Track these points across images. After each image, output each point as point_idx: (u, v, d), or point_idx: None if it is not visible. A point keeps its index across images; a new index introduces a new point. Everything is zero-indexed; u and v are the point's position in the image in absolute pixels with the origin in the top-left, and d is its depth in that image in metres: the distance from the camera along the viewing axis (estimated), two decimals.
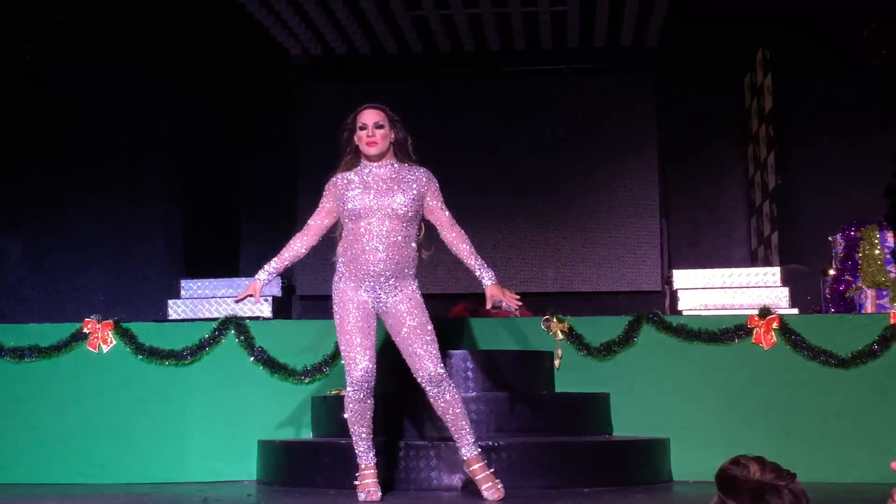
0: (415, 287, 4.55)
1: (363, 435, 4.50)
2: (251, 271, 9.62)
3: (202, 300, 7.81)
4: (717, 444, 5.55)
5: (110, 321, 6.01)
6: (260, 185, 10.21)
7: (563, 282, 9.65)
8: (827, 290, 6.92)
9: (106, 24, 8.41)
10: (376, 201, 4.46)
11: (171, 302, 7.91)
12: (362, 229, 4.44)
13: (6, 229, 8.23)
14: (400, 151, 4.63)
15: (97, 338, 5.99)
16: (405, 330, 4.46)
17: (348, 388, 4.44)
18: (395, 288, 4.48)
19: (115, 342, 5.98)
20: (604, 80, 9.98)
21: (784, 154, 8.75)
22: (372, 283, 4.46)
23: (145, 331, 6.02)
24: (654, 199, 9.70)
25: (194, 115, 9.48)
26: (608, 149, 9.78)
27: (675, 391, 5.80)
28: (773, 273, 7.49)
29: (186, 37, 9.13)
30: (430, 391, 4.43)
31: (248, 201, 10.28)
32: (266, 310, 7.65)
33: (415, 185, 4.54)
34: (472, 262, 4.54)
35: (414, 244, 4.54)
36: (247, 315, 6.59)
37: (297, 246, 4.64)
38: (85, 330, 5.99)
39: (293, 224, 8.33)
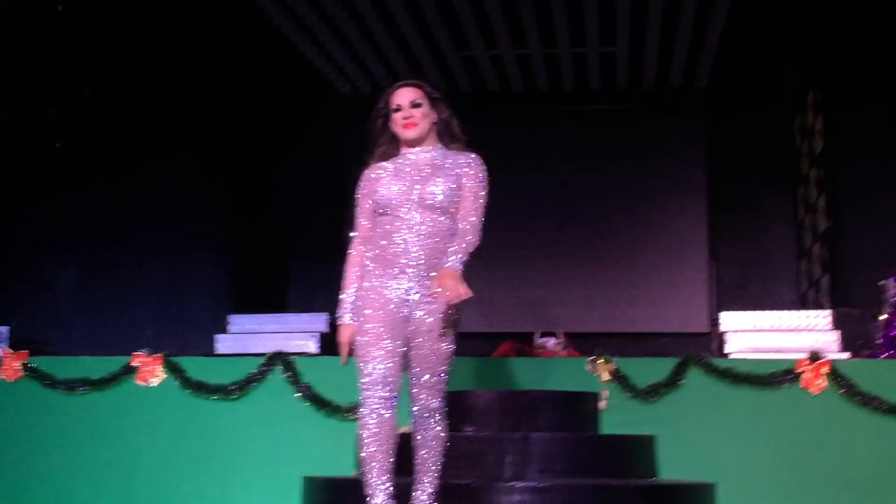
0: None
1: (378, 460, 3.80)
2: (299, 307, 9.71)
3: (250, 335, 7.85)
4: (765, 491, 5.47)
5: (159, 355, 6.07)
6: (309, 222, 10.29)
7: (609, 322, 9.60)
8: (879, 335, 6.82)
9: (157, 61, 8.56)
10: (409, 190, 3.92)
11: (218, 337, 7.96)
12: (393, 222, 3.91)
13: (60, 262, 8.36)
14: (445, 134, 4.06)
15: (146, 371, 6.06)
16: (419, 349, 3.90)
17: (361, 395, 3.81)
18: (425, 287, 3.86)
19: (163, 376, 6.04)
20: (653, 121, 9.98)
21: (834, 197, 8.67)
22: (404, 277, 3.88)
23: (193, 365, 6.08)
24: (702, 240, 9.66)
25: (246, 152, 9.60)
26: (657, 189, 9.76)
27: (722, 435, 5.74)
28: (823, 316, 7.38)
29: (239, 74, 9.27)
30: (419, 421, 3.94)
31: (297, 237, 10.36)
32: (312, 346, 7.69)
33: (457, 172, 3.99)
34: (449, 254, 3.87)
35: (451, 235, 3.94)
36: (293, 351, 6.62)
37: (359, 261, 4.01)
38: (134, 363, 6.06)
39: (340, 261, 8.37)
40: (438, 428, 3.98)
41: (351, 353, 3.94)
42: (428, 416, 3.94)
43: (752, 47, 9.19)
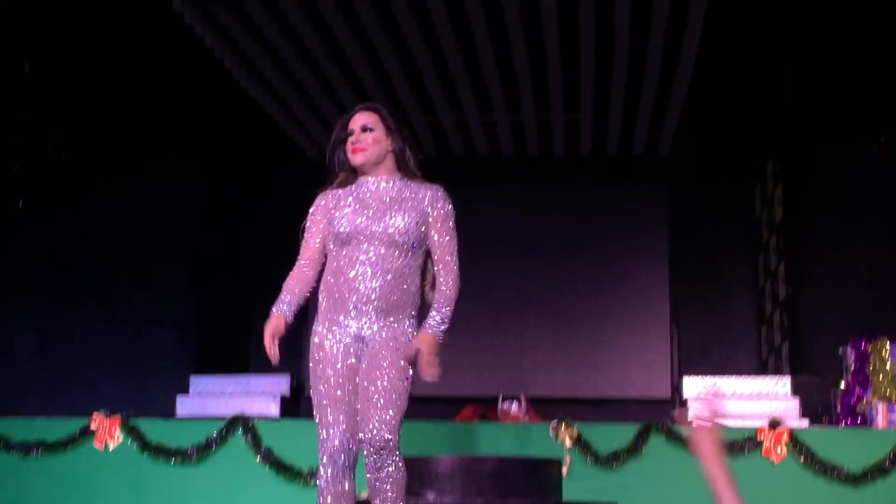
0: (408, 330, 3.69)
1: None
2: (262, 368, 9.63)
3: (211, 396, 7.78)
4: None
5: (118, 416, 5.99)
6: (272, 283, 10.23)
7: (572, 387, 9.60)
8: (838, 403, 6.86)
9: (122, 122, 8.57)
10: (370, 223, 3.66)
11: (179, 397, 7.88)
12: (350, 255, 3.65)
13: (17, 321, 8.27)
14: (402, 165, 3.80)
15: (104, 434, 5.97)
16: (368, 374, 3.61)
17: (321, 463, 3.60)
18: (385, 327, 3.64)
19: (121, 439, 5.96)
20: (616, 188, 10.08)
21: (794, 265, 8.77)
22: (357, 315, 3.63)
23: (153, 427, 6.00)
24: (664, 306, 9.72)
25: (209, 211, 9.58)
26: (620, 255, 9.83)
27: (683, 502, 5.73)
28: (783, 384, 7.44)
29: (202, 133, 9.28)
30: (370, 459, 3.57)
31: (260, 299, 10.30)
32: (274, 408, 7.62)
33: (418, 206, 3.73)
34: (432, 311, 3.72)
35: (417, 279, 3.74)
36: (255, 414, 6.56)
37: (305, 272, 3.80)
38: (92, 426, 5.97)
39: (302, 323, 8.36)
40: (395, 465, 3.60)
41: (280, 348, 3.67)
42: (380, 450, 3.55)
43: (713, 117, 9.35)
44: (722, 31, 7.51)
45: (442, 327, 3.73)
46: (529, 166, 10.22)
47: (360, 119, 3.79)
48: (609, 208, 10.01)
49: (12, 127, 7.70)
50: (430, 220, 3.76)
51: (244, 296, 10.30)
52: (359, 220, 3.68)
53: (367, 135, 3.76)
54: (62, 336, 8.40)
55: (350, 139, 3.77)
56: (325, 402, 3.64)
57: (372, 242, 3.65)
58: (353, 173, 3.81)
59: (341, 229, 3.68)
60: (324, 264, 3.79)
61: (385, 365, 3.61)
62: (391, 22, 7.43)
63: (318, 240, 3.80)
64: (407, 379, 3.65)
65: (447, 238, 3.81)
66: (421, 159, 3.87)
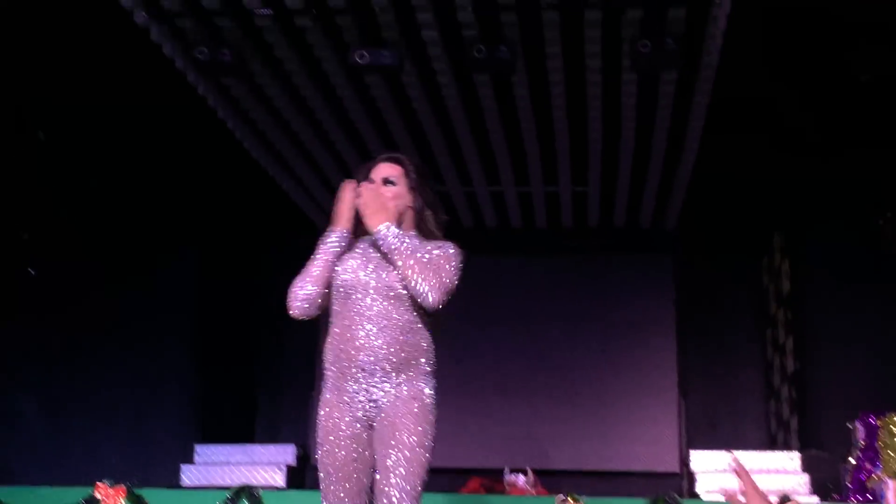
0: (424, 389, 3.42)
1: None
2: (266, 438, 9.58)
3: (216, 466, 7.74)
4: None
5: (122, 486, 5.95)
6: (278, 353, 10.25)
7: (579, 459, 9.53)
8: (848, 479, 6.80)
9: (131, 189, 8.65)
10: (373, 276, 3.41)
11: (184, 467, 7.85)
12: (352, 312, 3.40)
13: (22, 388, 8.27)
14: (421, 222, 3.57)
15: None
16: (385, 440, 3.33)
17: None
18: (399, 387, 3.39)
19: None
20: (623, 260, 10.12)
21: (802, 338, 8.75)
22: (365, 377, 3.37)
23: (158, 497, 5.96)
24: (671, 379, 9.69)
25: (212, 279, 9.61)
26: (627, 327, 9.82)
27: None
28: (792, 458, 7.38)
29: (208, 205, 9.34)
30: None
31: (265, 368, 10.30)
32: (280, 478, 7.58)
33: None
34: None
35: (427, 331, 3.48)
36: (260, 484, 6.53)
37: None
38: (96, 495, 5.94)
39: (311, 391, 8.34)
40: None
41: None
42: None
43: (718, 190, 9.39)
44: (727, 106, 7.58)
45: (389, 238, 3.40)
46: (537, 237, 10.26)
47: (384, 170, 3.56)
48: (616, 279, 10.03)
49: (24, 194, 7.77)
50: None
51: (249, 365, 10.30)
52: (361, 273, 3.44)
53: (388, 188, 3.53)
54: (67, 404, 8.39)
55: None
56: (332, 478, 3.41)
57: (374, 296, 3.40)
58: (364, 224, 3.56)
59: (343, 277, 3.45)
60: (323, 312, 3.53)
61: (405, 432, 3.32)
62: (401, 95, 7.53)
63: (325, 286, 3.53)
64: (429, 448, 3.37)
65: (441, 259, 3.45)
66: (445, 221, 3.65)
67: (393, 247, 3.39)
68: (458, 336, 9.32)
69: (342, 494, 3.39)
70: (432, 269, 3.40)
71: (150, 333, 8.90)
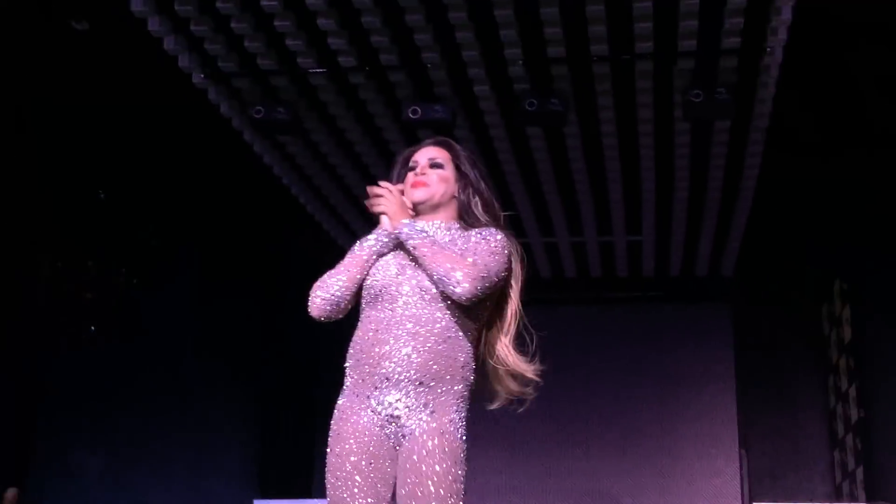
0: (455, 419, 2.89)
1: None
2: (323, 493, 9.56)
3: None
4: None
5: None
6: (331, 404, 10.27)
7: None
8: None
9: (189, 246, 8.78)
10: (407, 274, 2.97)
11: None
12: (379, 316, 2.95)
13: (86, 444, 8.36)
14: (467, 214, 3.14)
15: None
16: (411, 470, 2.80)
17: None
18: (427, 407, 2.87)
19: None
20: (680, 309, 10.03)
21: (866, 386, 8.60)
22: (388, 389, 2.88)
23: None
24: (732, 430, 9.54)
25: (270, 332, 9.69)
26: (685, 377, 9.72)
27: None
28: None
29: (263, 258, 9.44)
30: None
31: (323, 422, 10.31)
32: None
33: (464, 247, 3.00)
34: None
35: (468, 348, 2.98)
36: None
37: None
38: None
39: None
40: None
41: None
42: None
43: (776, 236, 9.31)
44: (782, 151, 7.54)
45: (411, 234, 2.99)
46: (592, 287, 10.23)
47: (430, 152, 3.19)
48: (673, 329, 9.94)
49: (86, 255, 7.92)
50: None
51: (306, 419, 10.32)
52: (392, 271, 3.00)
53: (434, 171, 3.14)
54: (127, 459, 8.46)
55: (413, 173, 3.16)
56: (340, 489, 2.84)
57: (407, 299, 2.95)
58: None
59: (371, 281, 3.01)
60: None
61: (433, 464, 2.79)
62: None
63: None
64: (461, 482, 2.85)
65: (480, 245, 2.99)
66: (503, 214, 3.24)
67: (415, 242, 2.97)
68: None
69: (351, 489, 2.84)
70: (463, 256, 2.94)
71: (210, 388, 8.98)
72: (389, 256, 3.05)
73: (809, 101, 6.97)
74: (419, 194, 3.11)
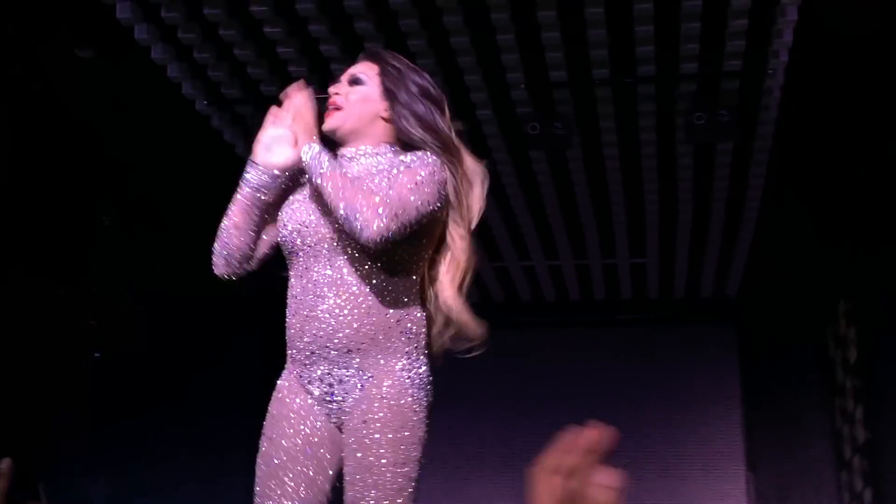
0: (403, 377, 2.49)
1: None
2: None
3: None
4: None
5: None
6: None
7: None
8: None
9: (196, 278, 8.76)
10: (320, 221, 2.53)
11: None
12: (302, 273, 2.56)
13: (91, 472, 8.34)
14: (401, 133, 2.63)
15: None
16: (358, 448, 2.44)
17: None
18: (362, 374, 2.48)
19: None
20: (684, 331, 10.02)
21: (873, 407, 8.56)
22: (318, 360, 2.51)
23: None
24: (738, 452, 9.51)
25: (270, 355, 9.65)
26: (690, 399, 9.70)
27: None
28: None
29: (268, 273, 9.44)
30: None
31: None
32: None
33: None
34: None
35: (413, 301, 2.55)
36: None
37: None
38: None
39: None
40: None
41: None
42: None
43: (780, 257, 9.31)
44: (787, 173, 7.55)
45: (310, 163, 2.51)
46: (596, 310, 10.23)
47: (354, 69, 2.72)
48: (678, 351, 9.92)
49: (91, 281, 7.93)
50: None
51: None
52: (305, 218, 2.56)
53: (354, 89, 2.66)
54: (134, 488, 8.44)
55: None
56: (271, 464, 2.52)
57: (321, 252, 2.53)
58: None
59: (283, 232, 2.60)
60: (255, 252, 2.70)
61: (377, 435, 2.43)
62: None
63: (267, 233, 2.71)
64: (417, 447, 2.48)
65: (401, 174, 2.51)
66: (459, 130, 2.73)
67: (316, 173, 2.48)
68: (513, 411, 9.27)
69: (281, 476, 2.49)
70: (378, 189, 2.45)
71: (218, 417, 8.96)
72: (300, 199, 2.62)
73: (812, 122, 6.98)
74: (328, 123, 2.65)
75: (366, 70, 2.68)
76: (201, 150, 7.27)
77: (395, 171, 2.53)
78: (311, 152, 2.50)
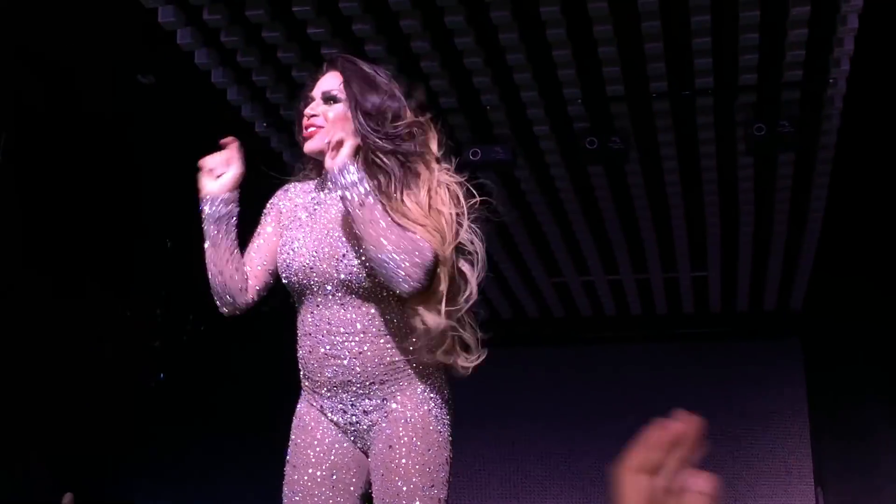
0: (425, 399, 2.46)
1: None
2: None
3: None
4: None
5: None
6: None
7: None
8: None
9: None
10: (324, 260, 2.45)
11: None
12: (310, 310, 2.48)
13: (152, 491, 8.46)
14: (366, 159, 2.48)
15: None
16: (385, 473, 2.42)
17: None
18: (386, 402, 2.45)
19: None
20: (749, 344, 9.90)
21: None
22: (339, 402, 2.47)
23: None
24: (807, 467, 9.36)
25: None
26: (756, 414, 9.56)
27: None
28: None
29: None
30: None
31: None
32: None
33: None
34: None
35: (413, 318, 2.44)
36: None
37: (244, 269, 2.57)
38: None
39: None
40: None
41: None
42: None
43: (846, 266, 9.15)
44: (850, 182, 7.43)
45: (360, 189, 2.33)
46: (658, 324, 10.14)
47: (324, 83, 2.57)
48: (743, 365, 9.79)
49: (155, 303, 8.03)
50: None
51: None
52: (309, 262, 2.46)
53: (329, 107, 2.54)
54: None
55: (305, 112, 2.57)
56: (304, 500, 2.46)
57: (328, 289, 2.44)
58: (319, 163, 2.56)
59: (286, 273, 2.49)
60: (266, 292, 2.60)
61: (405, 459, 2.40)
62: (516, 189, 7.58)
63: (264, 261, 2.58)
64: (445, 468, 2.44)
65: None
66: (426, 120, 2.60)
67: (356, 202, 2.33)
68: (580, 425, 9.22)
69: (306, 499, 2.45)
70: (410, 237, 2.35)
71: (270, 435, 9.01)
72: (300, 237, 2.51)
73: (875, 131, 6.87)
74: (311, 144, 2.54)
75: (335, 85, 2.56)
76: (261, 171, 7.32)
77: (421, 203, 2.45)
78: (351, 177, 2.36)
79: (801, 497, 9.29)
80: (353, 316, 2.42)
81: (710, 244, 8.46)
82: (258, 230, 2.62)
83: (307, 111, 2.55)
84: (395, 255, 2.29)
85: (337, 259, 2.42)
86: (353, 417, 2.47)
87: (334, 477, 2.47)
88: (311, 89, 2.59)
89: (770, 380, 9.66)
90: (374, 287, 2.41)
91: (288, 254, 2.50)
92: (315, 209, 2.55)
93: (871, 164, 7.35)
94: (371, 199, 2.33)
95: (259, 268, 2.56)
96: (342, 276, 2.41)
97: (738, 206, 7.74)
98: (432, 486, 2.40)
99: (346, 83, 2.52)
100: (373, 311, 2.43)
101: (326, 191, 2.57)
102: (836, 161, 6.98)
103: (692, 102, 6.36)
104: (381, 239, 2.30)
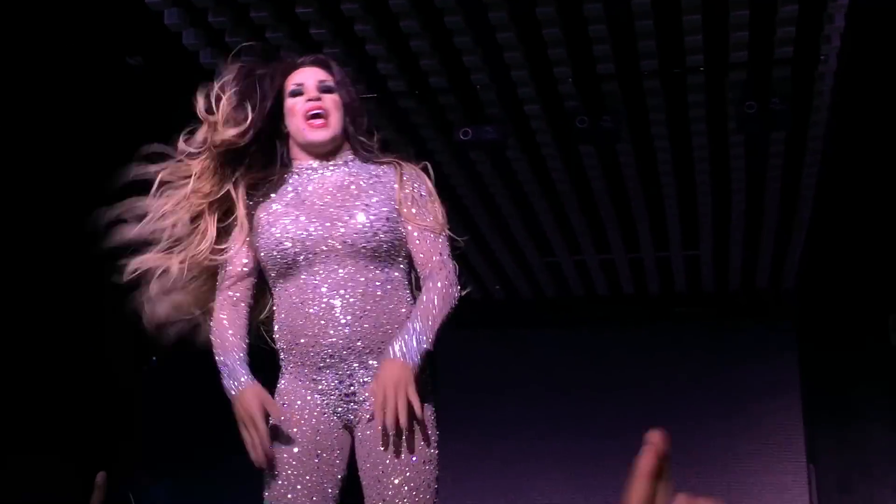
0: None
1: None
2: None
3: None
4: None
5: None
6: None
7: None
8: None
9: None
10: (319, 228, 2.50)
11: None
12: (304, 284, 2.49)
13: (154, 474, 8.46)
14: (356, 140, 2.65)
15: None
16: (373, 455, 2.46)
17: None
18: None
19: None
20: (742, 323, 9.90)
21: None
22: (334, 367, 2.48)
23: None
24: (799, 445, 9.39)
25: None
26: (749, 392, 9.58)
27: None
28: None
29: None
30: None
31: None
32: None
33: (384, 191, 2.58)
34: (412, 320, 2.48)
35: (407, 289, 2.56)
36: None
37: (239, 306, 2.59)
38: None
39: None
40: None
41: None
42: None
43: (839, 245, 9.16)
44: (842, 160, 7.43)
45: (423, 346, 2.44)
46: (650, 304, 10.13)
47: (316, 74, 2.63)
48: (736, 344, 9.80)
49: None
50: (407, 202, 2.56)
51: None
52: (303, 232, 2.51)
53: (328, 97, 2.60)
54: (194, 493, 8.54)
55: (302, 100, 2.59)
56: (280, 468, 2.48)
57: (327, 259, 2.48)
58: (272, 160, 2.65)
59: (283, 247, 2.51)
60: (256, 293, 2.64)
61: (401, 444, 2.42)
62: (507, 169, 7.56)
63: (244, 258, 2.59)
64: (433, 457, 2.48)
65: (439, 227, 2.59)
66: (380, 139, 2.78)
67: (428, 342, 2.48)
68: (574, 404, 9.23)
69: (291, 482, 2.47)
70: (441, 273, 2.55)
71: None
72: (288, 218, 2.54)
73: (867, 108, 6.86)
74: (320, 133, 2.58)
75: (328, 77, 2.65)
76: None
77: (437, 222, 2.62)
78: (411, 348, 2.46)
79: (794, 475, 9.32)
80: (351, 279, 2.49)
81: (701, 223, 8.45)
82: (233, 234, 2.64)
83: (310, 94, 2.59)
84: (447, 303, 2.54)
85: (336, 222, 2.51)
86: (350, 388, 2.51)
87: (319, 457, 2.50)
88: (292, 78, 2.63)
89: (763, 358, 9.67)
90: (381, 249, 2.52)
91: (272, 232, 2.55)
92: (298, 193, 2.60)
93: (863, 142, 7.34)
94: (430, 329, 2.50)
95: (247, 271, 2.63)
96: (342, 237, 2.50)
97: (730, 185, 7.72)
98: (425, 462, 2.46)
99: (340, 83, 2.65)
100: (375, 271, 2.52)
101: (299, 177, 2.63)
102: (828, 138, 6.97)
103: (683, 80, 6.34)
104: (441, 314, 2.52)
